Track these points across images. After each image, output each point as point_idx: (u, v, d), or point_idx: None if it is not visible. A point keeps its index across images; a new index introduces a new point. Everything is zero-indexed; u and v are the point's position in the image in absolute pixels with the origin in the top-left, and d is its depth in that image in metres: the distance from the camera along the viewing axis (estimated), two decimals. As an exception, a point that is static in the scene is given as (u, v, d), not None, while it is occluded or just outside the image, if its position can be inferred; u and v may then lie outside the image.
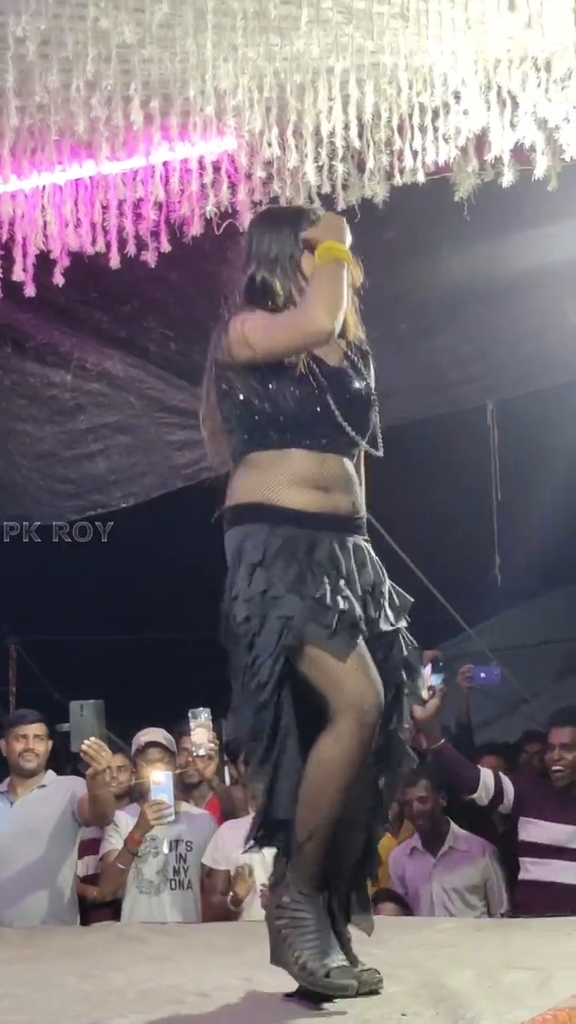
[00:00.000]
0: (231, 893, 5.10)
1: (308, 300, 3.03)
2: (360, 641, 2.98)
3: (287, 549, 3.02)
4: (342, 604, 2.96)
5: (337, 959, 2.91)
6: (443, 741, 5.33)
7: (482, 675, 5.63)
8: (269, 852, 4.91)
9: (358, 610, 3.00)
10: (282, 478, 3.07)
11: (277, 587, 2.99)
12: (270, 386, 3.09)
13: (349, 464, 3.16)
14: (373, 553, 3.18)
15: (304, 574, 2.99)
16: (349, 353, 3.23)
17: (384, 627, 3.09)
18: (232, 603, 3.05)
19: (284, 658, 2.96)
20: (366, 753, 2.93)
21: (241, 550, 3.07)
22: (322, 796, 2.94)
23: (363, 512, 3.19)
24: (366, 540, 3.19)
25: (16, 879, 5.16)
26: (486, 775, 5.33)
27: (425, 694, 5.22)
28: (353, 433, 3.10)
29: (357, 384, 3.18)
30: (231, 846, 5.15)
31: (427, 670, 5.39)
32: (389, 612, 3.12)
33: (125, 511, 6.94)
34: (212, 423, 3.24)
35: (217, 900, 5.21)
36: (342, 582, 3.01)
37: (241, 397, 3.12)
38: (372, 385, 3.22)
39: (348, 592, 3.00)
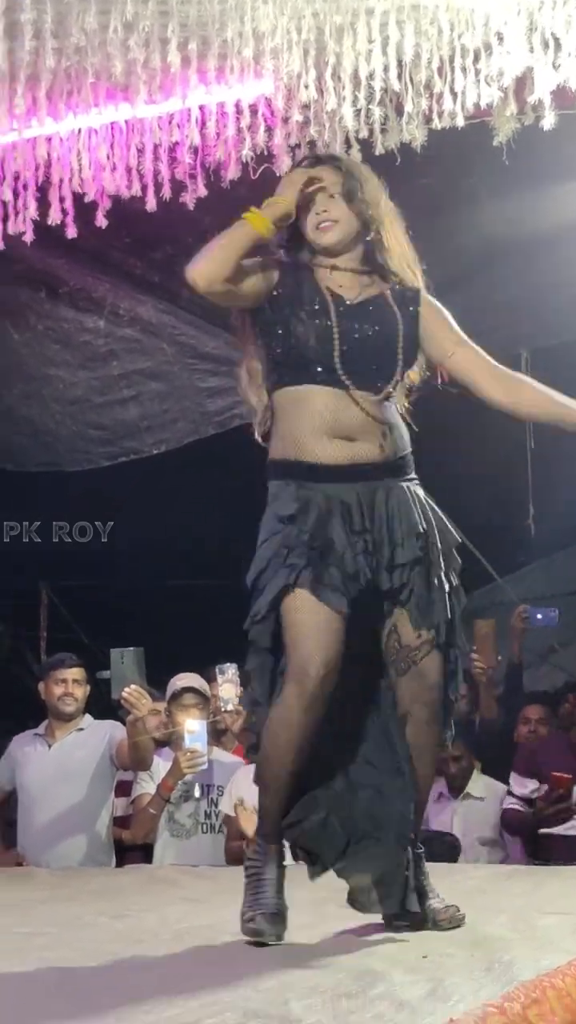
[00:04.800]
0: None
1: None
2: (333, 606, 2.96)
3: (307, 507, 3.03)
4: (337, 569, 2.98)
5: (269, 906, 2.97)
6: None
7: (539, 616, 5.52)
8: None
9: (356, 570, 3.01)
10: (305, 427, 3.08)
11: (293, 543, 3.01)
12: (288, 321, 3.11)
13: (379, 405, 3.12)
14: (421, 495, 3.16)
15: (315, 533, 3.01)
16: (387, 293, 3.19)
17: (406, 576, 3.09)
18: (257, 549, 3.11)
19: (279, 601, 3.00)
20: (308, 720, 2.96)
21: (271, 504, 3.13)
22: (269, 755, 3.02)
23: (401, 453, 3.16)
24: (408, 480, 3.17)
25: (54, 821, 5.23)
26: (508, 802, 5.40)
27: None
28: (344, 376, 3.08)
29: (367, 326, 3.14)
30: (244, 789, 5.19)
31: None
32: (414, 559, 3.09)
33: (156, 457, 6.94)
34: (247, 370, 3.27)
35: (235, 845, 5.24)
36: (349, 541, 3.01)
37: (262, 335, 3.17)
38: (397, 331, 3.16)
39: (351, 552, 3.00)
